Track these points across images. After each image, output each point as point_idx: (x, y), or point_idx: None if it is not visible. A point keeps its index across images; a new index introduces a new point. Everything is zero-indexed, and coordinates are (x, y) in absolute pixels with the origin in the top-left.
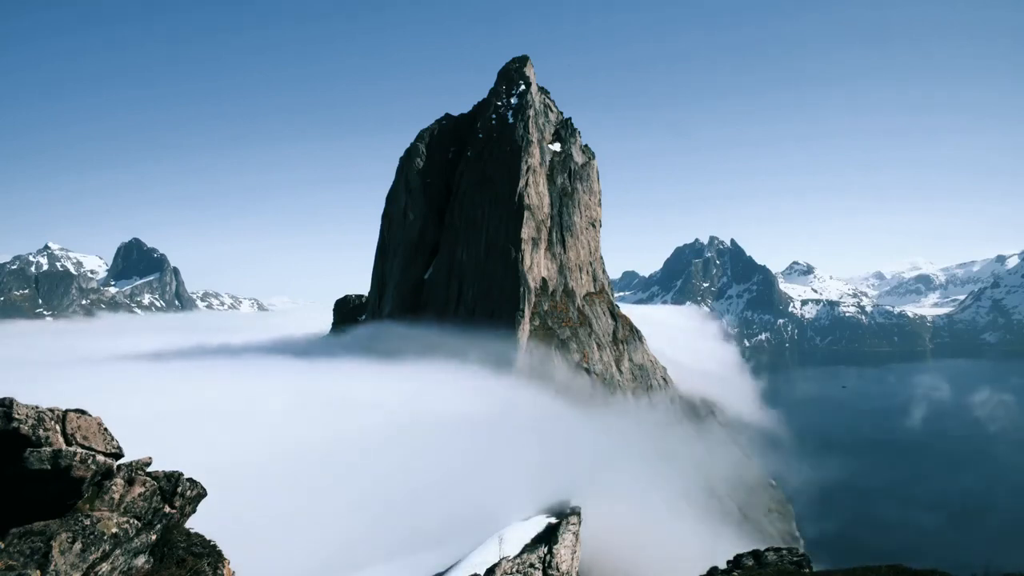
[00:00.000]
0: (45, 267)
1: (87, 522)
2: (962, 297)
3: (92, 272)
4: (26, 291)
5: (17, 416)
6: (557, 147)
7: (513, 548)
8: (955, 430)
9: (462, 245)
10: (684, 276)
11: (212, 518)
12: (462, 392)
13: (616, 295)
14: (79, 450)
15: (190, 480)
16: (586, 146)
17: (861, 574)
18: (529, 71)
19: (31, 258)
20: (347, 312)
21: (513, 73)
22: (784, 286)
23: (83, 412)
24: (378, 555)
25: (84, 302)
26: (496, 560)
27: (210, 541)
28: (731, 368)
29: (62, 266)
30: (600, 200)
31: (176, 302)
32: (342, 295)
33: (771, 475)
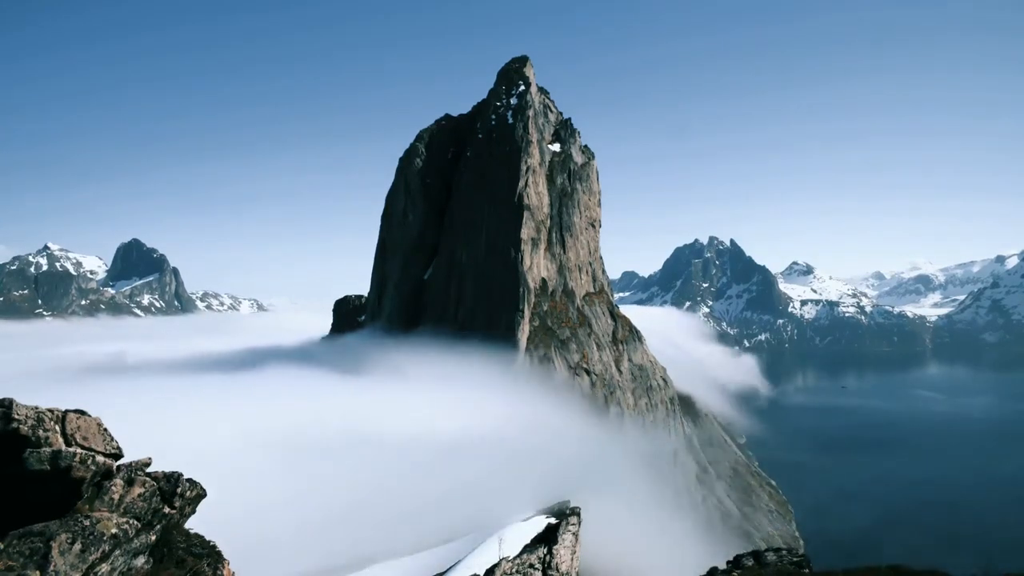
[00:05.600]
0: (45, 267)
1: (87, 523)
2: (962, 297)
3: (91, 272)
4: (26, 291)
5: (17, 416)
6: (557, 147)
7: (513, 548)
8: (956, 431)
9: (462, 245)
10: (684, 276)
11: (212, 519)
12: (462, 394)
13: (616, 295)
14: (79, 451)
15: (189, 480)
16: (585, 146)
17: (861, 574)
18: (529, 71)
19: (31, 258)
20: (347, 313)
21: (513, 73)
22: (784, 286)
23: (83, 412)
24: (378, 556)
25: (84, 302)
26: (496, 560)
27: (210, 542)
28: (730, 369)
29: (61, 266)
30: (599, 200)
31: (176, 303)
32: (342, 295)
33: (771, 475)
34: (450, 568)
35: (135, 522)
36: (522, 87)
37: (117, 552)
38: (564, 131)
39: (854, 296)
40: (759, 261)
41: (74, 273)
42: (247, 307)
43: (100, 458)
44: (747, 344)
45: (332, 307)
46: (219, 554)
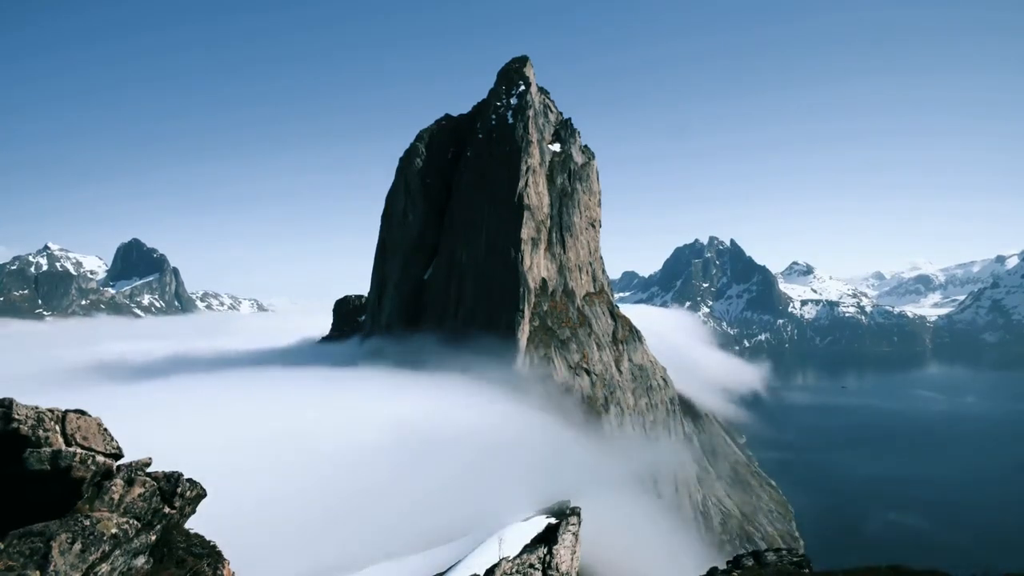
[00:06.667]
0: (45, 267)
1: (87, 523)
2: (962, 297)
3: (92, 272)
4: (26, 291)
5: (17, 416)
6: (557, 147)
7: (513, 548)
8: (956, 431)
9: (462, 245)
10: (684, 276)
11: (212, 519)
12: (462, 394)
13: (616, 295)
14: (79, 450)
15: (190, 480)
16: (586, 146)
17: (861, 574)
18: (529, 71)
19: (31, 258)
20: (347, 313)
21: (513, 73)
22: (784, 286)
23: (83, 412)
24: (378, 555)
25: (84, 303)
26: (496, 560)
27: (210, 542)
28: (730, 369)
29: (62, 266)
30: (600, 200)
31: (176, 303)
32: (342, 295)
33: (771, 475)
34: (450, 568)
35: (135, 522)
36: (522, 87)
37: (117, 552)
38: (564, 131)
39: (854, 296)
40: (759, 261)
41: (74, 273)
42: (247, 307)
43: (100, 458)
44: (747, 344)
45: (332, 307)
46: (219, 554)
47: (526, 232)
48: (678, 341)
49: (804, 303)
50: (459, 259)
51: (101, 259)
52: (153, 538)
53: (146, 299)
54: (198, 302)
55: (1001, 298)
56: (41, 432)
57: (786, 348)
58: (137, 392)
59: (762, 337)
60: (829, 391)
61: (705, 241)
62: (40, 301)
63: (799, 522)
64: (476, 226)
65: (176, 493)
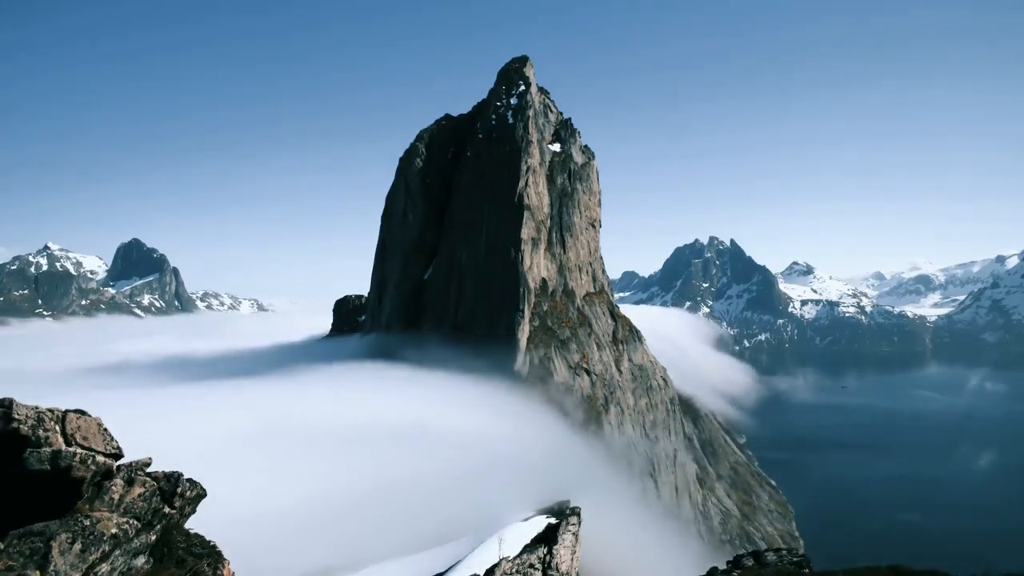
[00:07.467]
0: (45, 267)
1: (87, 523)
2: (962, 297)
3: (92, 272)
4: (26, 291)
5: (17, 416)
6: (557, 147)
7: (513, 548)
8: (956, 431)
9: (462, 245)
10: (684, 276)
11: (212, 519)
12: (462, 395)
13: (616, 295)
14: (79, 450)
15: (190, 480)
16: (586, 146)
17: (861, 574)
18: (529, 71)
19: (31, 258)
20: (347, 313)
21: (513, 73)
22: (784, 286)
23: (83, 412)
24: (378, 555)
25: (84, 302)
26: (496, 560)
27: (210, 541)
28: (730, 369)
29: (62, 266)
30: (600, 200)
31: (176, 302)
32: (342, 295)
33: (771, 475)
34: (450, 568)
35: (135, 522)
36: (522, 87)
37: (117, 552)
38: (564, 131)
39: (854, 296)
40: (759, 261)
41: (74, 273)
42: (247, 307)
43: (100, 458)
44: (747, 344)
45: (332, 307)
46: (219, 554)
47: (526, 232)
48: (678, 341)
49: (804, 303)
50: (459, 259)
51: (101, 259)
52: (153, 538)
53: (146, 299)
54: (198, 302)
55: (1001, 298)
56: (41, 432)
57: (786, 348)
58: (136, 392)
59: (762, 337)
60: (829, 391)
61: (705, 241)
62: (40, 301)
63: (799, 522)
64: (476, 226)
65: (176, 493)
